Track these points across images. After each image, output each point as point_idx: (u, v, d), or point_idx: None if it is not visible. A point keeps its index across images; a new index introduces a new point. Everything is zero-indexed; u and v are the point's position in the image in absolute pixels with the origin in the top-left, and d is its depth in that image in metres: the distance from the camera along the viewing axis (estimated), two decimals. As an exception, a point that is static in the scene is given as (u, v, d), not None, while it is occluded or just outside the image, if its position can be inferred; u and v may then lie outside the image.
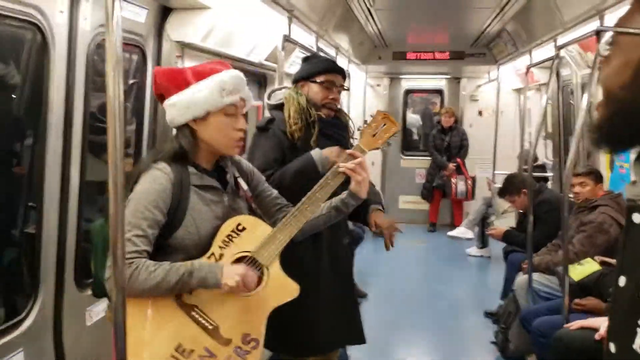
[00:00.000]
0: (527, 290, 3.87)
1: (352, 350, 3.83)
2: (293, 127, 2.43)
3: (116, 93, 1.32)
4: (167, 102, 1.80)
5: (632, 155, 0.75)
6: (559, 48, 4.23)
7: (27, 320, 2.18)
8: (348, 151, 1.97)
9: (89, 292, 2.50)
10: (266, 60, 4.25)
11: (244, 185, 1.96)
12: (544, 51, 5.10)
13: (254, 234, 1.84)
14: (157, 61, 2.94)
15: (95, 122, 2.60)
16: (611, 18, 3.48)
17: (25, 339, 2.16)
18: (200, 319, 1.75)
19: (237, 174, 1.97)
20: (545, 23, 4.60)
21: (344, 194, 2.01)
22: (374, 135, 2.02)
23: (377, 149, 2.06)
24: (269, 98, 2.61)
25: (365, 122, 2.04)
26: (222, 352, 1.75)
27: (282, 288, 1.86)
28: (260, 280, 1.83)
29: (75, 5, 2.20)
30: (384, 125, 2.02)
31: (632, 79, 0.73)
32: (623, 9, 0.82)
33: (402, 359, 4.20)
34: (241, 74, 1.84)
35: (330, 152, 2.37)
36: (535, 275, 3.84)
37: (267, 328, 1.87)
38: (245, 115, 1.94)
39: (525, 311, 3.75)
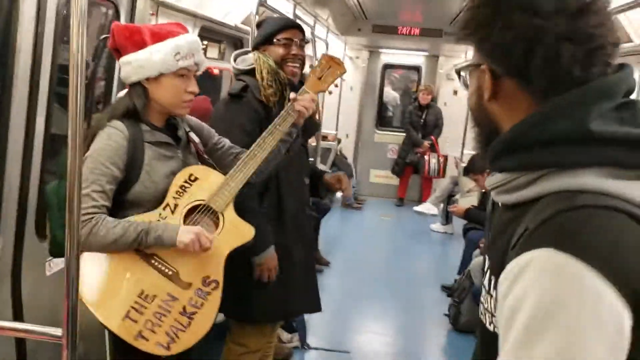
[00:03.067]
0: (482, 269, 4.01)
1: (311, 316, 3.95)
2: (268, 90, 2.39)
3: (80, 47, 1.33)
4: (123, 60, 1.86)
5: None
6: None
7: (-16, 268, 2.20)
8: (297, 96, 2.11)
9: (50, 243, 2.53)
10: (243, 23, 4.23)
11: (195, 138, 2.03)
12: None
13: (207, 182, 1.93)
14: (131, 18, 2.91)
15: (65, 75, 2.59)
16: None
17: (-18, 286, 2.19)
18: (160, 266, 1.84)
19: (187, 129, 2.04)
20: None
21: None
22: (319, 78, 2.12)
23: (323, 91, 2.17)
24: (235, 62, 2.55)
25: (311, 66, 2.13)
26: (183, 295, 1.85)
27: (237, 232, 1.96)
28: (216, 226, 1.93)
29: (47, -45, 2.17)
30: (329, 68, 2.12)
31: (477, 101, 0.97)
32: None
33: (359, 327, 4.34)
34: (197, 39, 1.92)
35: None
36: (491, 255, 3.98)
37: (231, 297, 1.96)
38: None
39: (478, 287, 3.90)
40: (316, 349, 3.75)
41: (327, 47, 6.47)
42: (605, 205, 0.77)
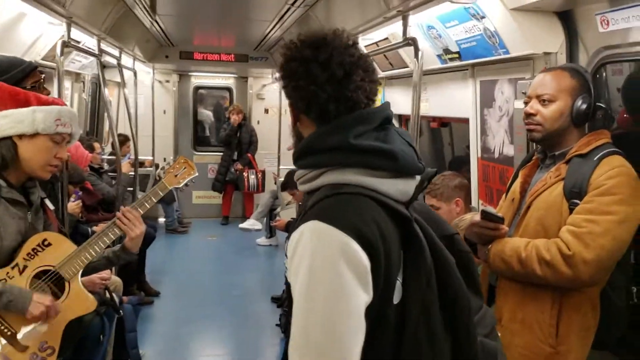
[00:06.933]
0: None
1: (147, 349, 3.94)
2: None
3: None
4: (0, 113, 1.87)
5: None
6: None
7: None
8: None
9: None
10: (43, 59, 4.11)
11: (50, 205, 2.06)
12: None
13: (59, 250, 1.99)
14: None
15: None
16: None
17: None
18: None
19: (43, 195, 2.07)
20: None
21: (117, 247, 2.20)
22: (176, 176, 2.41)
23: (178, 188, 2.47)
24: None
25: (168, 164, 2.38)
26: (18, 357, 1.85)
27: (80, 302, 2.02)
28: (56, 294, 1.98)
29: None
30: (184, 168, 2.43)
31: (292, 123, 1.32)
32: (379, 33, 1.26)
33: (197, 351, 4.42)
34: (76, 113, 2.03)
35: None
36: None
37: None
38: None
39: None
40: (156, 380, 3.76)
41: (135, 75, 6.41)
42: (356, 192, 1.15)
